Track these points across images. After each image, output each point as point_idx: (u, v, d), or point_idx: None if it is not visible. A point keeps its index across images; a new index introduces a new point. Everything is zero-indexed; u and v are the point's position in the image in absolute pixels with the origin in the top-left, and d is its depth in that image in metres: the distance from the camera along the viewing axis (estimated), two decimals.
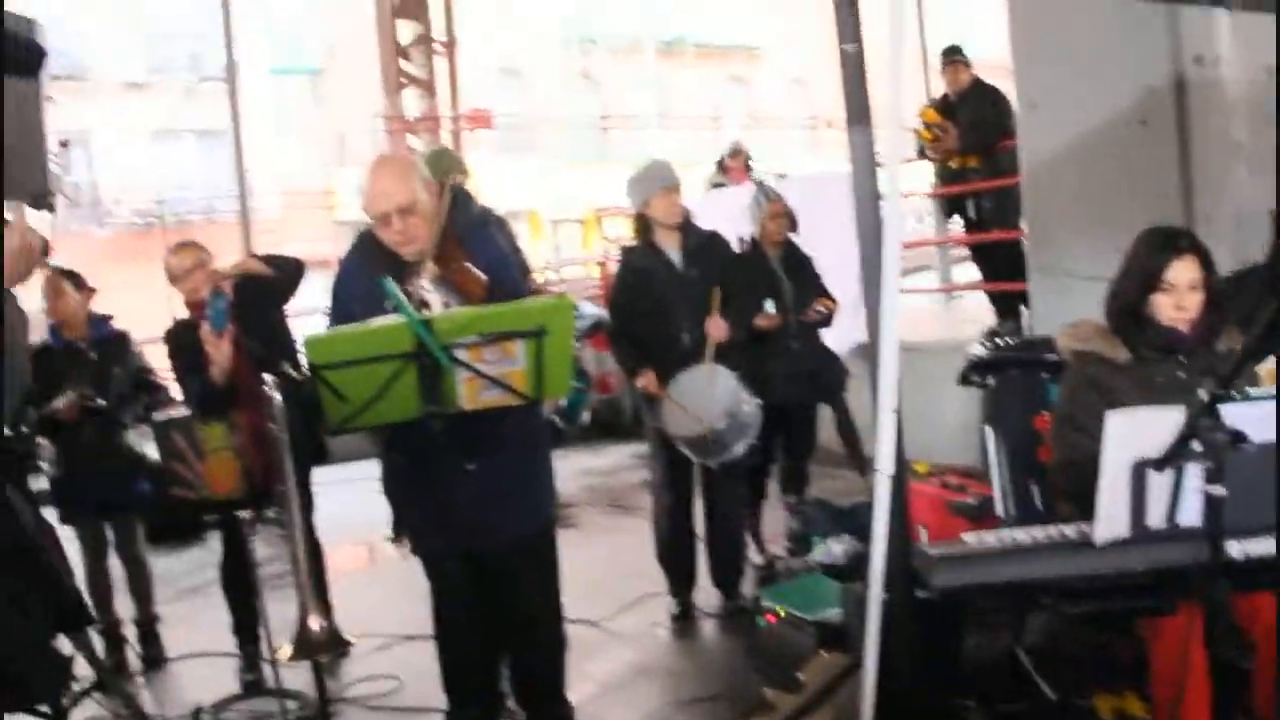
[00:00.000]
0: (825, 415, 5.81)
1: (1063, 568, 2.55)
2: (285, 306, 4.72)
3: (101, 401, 4.91)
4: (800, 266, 5.53)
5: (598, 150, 27.64)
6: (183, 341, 4.36)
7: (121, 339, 5.17)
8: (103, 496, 4.97)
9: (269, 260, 4.64)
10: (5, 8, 2.42)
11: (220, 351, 4.11)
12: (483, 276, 3.13)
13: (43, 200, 2.55)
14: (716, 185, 9.85)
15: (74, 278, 5.09)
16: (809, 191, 6.84)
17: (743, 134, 16.99)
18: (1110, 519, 2.41)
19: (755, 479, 5.46)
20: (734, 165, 10.04)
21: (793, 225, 5.55)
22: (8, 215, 2.06)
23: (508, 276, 3.30)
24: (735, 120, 27.47)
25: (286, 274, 4.62)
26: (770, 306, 5.28)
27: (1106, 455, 2.36)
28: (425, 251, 3.16)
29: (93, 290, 5.17)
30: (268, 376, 3.48)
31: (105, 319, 5.17)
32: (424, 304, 2.98)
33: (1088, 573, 2.51)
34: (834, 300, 5.49)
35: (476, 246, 3.28)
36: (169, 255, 4.55)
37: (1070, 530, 2.59)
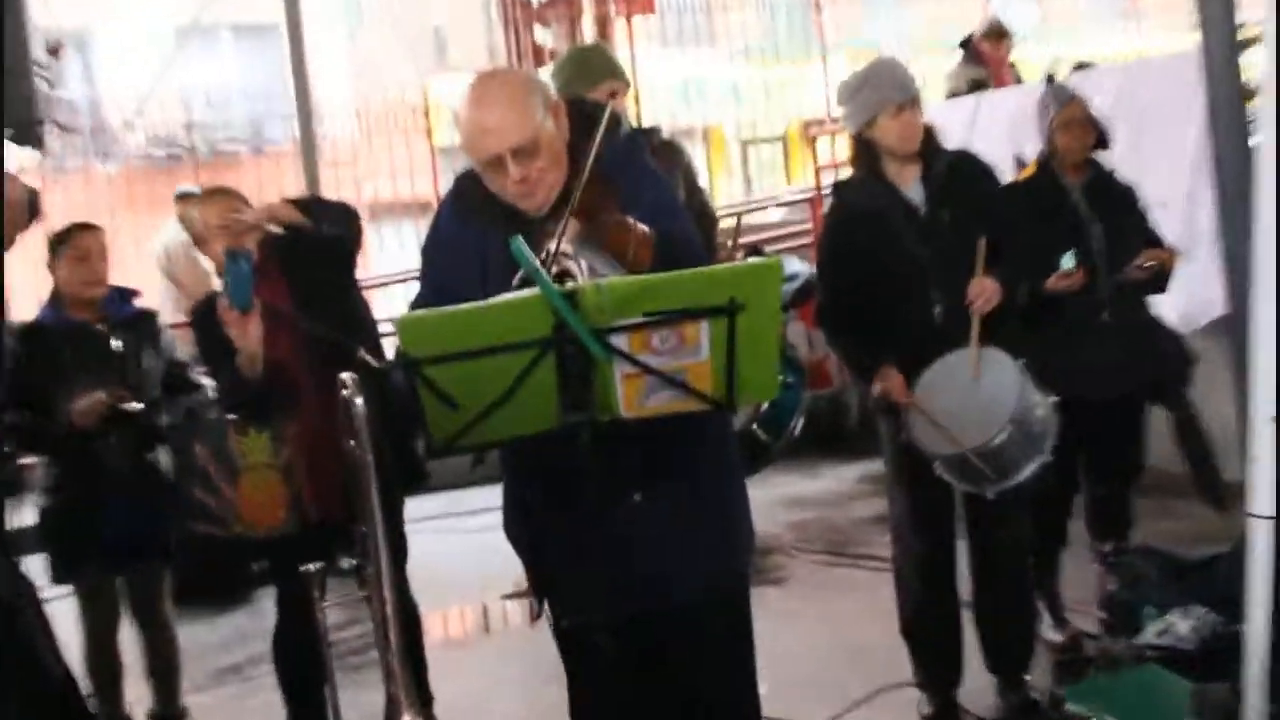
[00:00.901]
0: (1158, 421, 5.65)
1: None
2: (354, 272, 4.83)
3: (137, 405, 5.09)
4: (1115, 200, 5.41)
5: (803, 39, 27.53)
6: (215, 324, 4.46)
7: (149, 320, 5.38)
8: (125, 538, 5.13)
9: (306, 206, 4.72)
10: None
11: (247, 333, 4.21)
12: (646, 230, 3.11)
13: (27, 133, 2.59)
14: (975, 83, 9.71)
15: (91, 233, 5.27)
16: (1127, 87, 6.71)
17: (1014, 3, 16.63)
18: None
19: (1050, 516, 5.38)
20: (992, 52, 9.87)
21: (1101, 140, 5.43)
22: None
23: (681, 230, 3.27)
24: None
25: (334, 226, 4.69)
26: (1069, 260, 5.16)
27: None
28: (555, 203, 3.15)
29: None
30: (345, 374, 3.52)
31: (127, 294, 5.36)
32: (564, 275, 2.98)
33: None
34: (1170, 251, 5.35)
35: (633, 188, 3.23)
36: (192, 206, 4.68)
37: None
